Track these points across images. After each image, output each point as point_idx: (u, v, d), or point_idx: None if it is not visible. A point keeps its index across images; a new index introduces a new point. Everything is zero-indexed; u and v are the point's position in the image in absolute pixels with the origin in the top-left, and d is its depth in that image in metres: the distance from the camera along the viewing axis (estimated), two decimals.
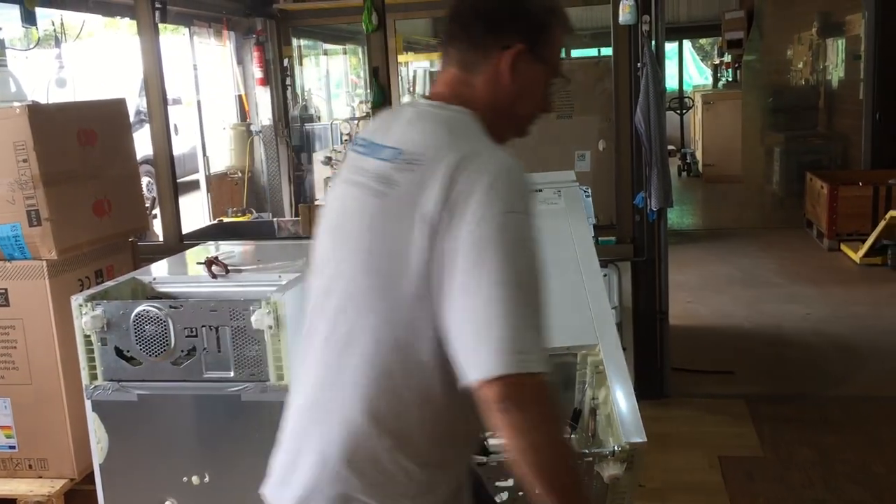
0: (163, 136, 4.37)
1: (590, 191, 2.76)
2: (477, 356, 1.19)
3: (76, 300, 2.46)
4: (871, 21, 7.67)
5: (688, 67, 15.75)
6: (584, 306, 2.14)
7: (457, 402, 1.29)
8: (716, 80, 14.38)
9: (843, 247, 6.82)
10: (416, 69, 12.01)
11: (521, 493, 1.89)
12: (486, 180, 1.24)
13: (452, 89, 1.40)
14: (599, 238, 4.21)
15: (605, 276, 4.21)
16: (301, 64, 9.54)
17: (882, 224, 6.39)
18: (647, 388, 4.14)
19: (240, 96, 8.22)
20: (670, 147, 12.91)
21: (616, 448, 1.77)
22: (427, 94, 1.44)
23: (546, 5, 1.41)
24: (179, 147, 7.60)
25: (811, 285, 6.03)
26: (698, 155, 11.52)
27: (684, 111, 12.37)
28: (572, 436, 2.10)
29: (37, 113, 2.95)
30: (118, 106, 3.52)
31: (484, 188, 1.23)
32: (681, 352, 4.44)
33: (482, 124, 1.36)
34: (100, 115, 3.35)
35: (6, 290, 2.99)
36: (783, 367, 4.56)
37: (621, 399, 1.87)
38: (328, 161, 7.72)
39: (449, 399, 1.30)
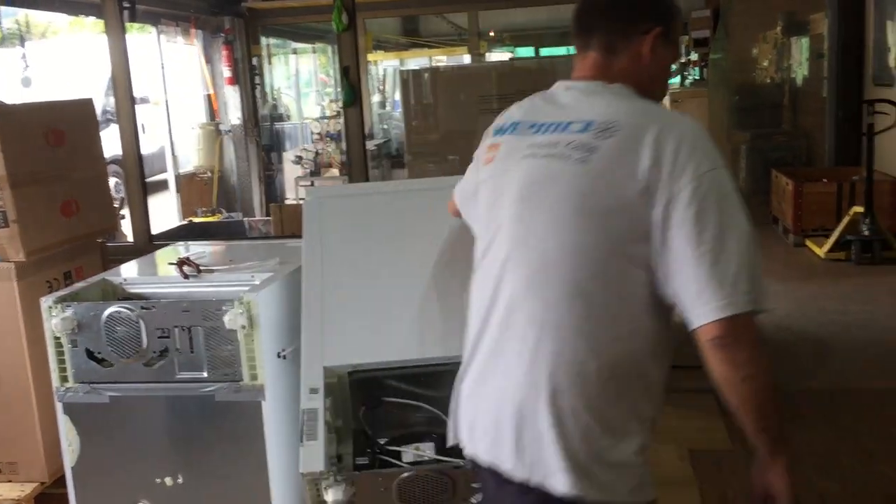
0: (131, 136, 4.33)
1: None
2: (712, 299, 1.34)
3: (46, 302, 2.43)
4: (833, 20, 7.80)
5: None
6: None
7: (663, 347, 1.46)
8: (683, 78, 14.53)
9: (808, 242, 6.93)
10: (385, 67, 11.99)
11: None
12: (689, 142, 1.40)
13: (599, 72, 1.54)
14: None
15: None
16: (270, 63, 9.50)
17: (846, 219, 6.51)
18: None
19: (208, 95, 8.16)
20: None
21: None
22: (572, 77, 1.57)
23: None
24: (146, 147, 7.52)
25: (778, 280, 6.12)
26: None
27: None
28: None
29: (3, 113, 2.92)
30: (86, 106, 3.49)
31: (689, 149, 1.39)
32: None
33: None
34: (68, 115, 3.32)
35: None
36: None
37: None
38: (299, 160, 7.70)
39: (657, 343, 1.45)
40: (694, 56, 12.80)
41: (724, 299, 1.34)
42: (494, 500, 1.52)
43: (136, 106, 4.44)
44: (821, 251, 6.61)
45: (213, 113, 8.12)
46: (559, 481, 1.39)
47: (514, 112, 1.63)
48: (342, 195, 2.61)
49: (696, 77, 13.05)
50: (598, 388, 1.41)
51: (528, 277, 1.44)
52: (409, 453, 1.98)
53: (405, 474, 1.85)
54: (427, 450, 1.98)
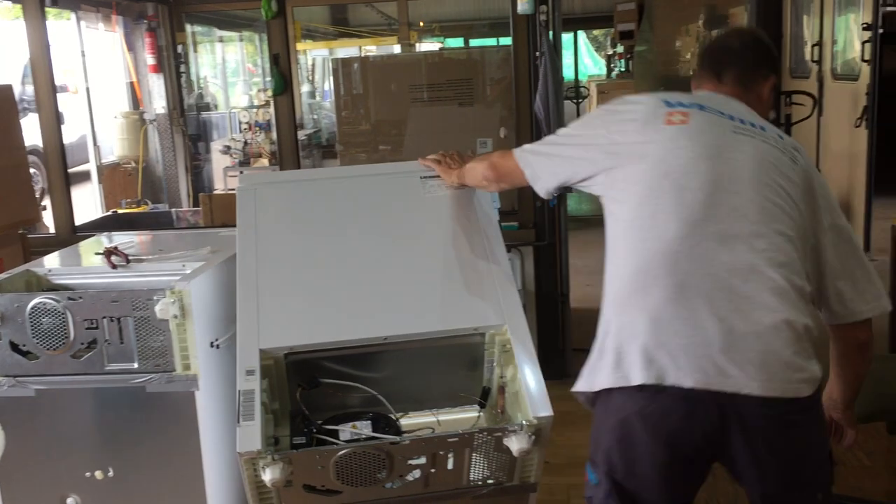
0: (52, 125, 4.20)
1: None
2: (873, 296, 1.83)
3: None
4: (752, 14, 8.03)
5: (583, 58, 16.14)
6: (492, 288, 2.18)
7: None
8: (609, 70, 14.79)
9: None
10: (315, 57, 11.87)
11: (433, 471, 1.93)
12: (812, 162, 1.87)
13: (742, 100, 1.90)
14: (503, 223, 4.29)
15: (508, 260, 4.30)
16: (196, 51, 9.30)
17: None
18: (550, 369, 4.19)
19: (131, 83, 7.95)
20: None
21: (524, 422, 1.83)
22: (707, 89, 1.96)
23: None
24: (66, 136, 7.25)
25: None
26: None
27: (580, 100, 12.67)
28: (481, 414, 2.16)
29: None
30: (5, 92, 3.37)
31: (815, 167, 1.87)
32: (582, 333, 4.57)
33: None
34: None
35: None
36: None
37: (528, 376, 1.93)
38: (227, 150, 7.56)
39: None
40: (620, 48, 13.06)
41: (886, 299, 1.84)
42: (762, 424, 1.69)
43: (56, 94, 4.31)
44: None
45: (136, 101, 7.91)
46: (812, 388, 1.71)
47: (680, 97, 1.87)
48: (277, 182, 2.59)
49: (623, 69, 13.31)
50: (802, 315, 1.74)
51: (771, 230, 1.71)
52: (346, 432, 1.98)
53: (342, 451, 1.86)
54: (364, 428, 1.99)
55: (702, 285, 1.67)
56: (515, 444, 1.83)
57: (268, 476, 1.78)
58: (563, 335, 4.31)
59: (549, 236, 4.22)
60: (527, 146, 2.09)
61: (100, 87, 8.10)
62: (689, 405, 1.66)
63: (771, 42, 1.99)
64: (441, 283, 2.19)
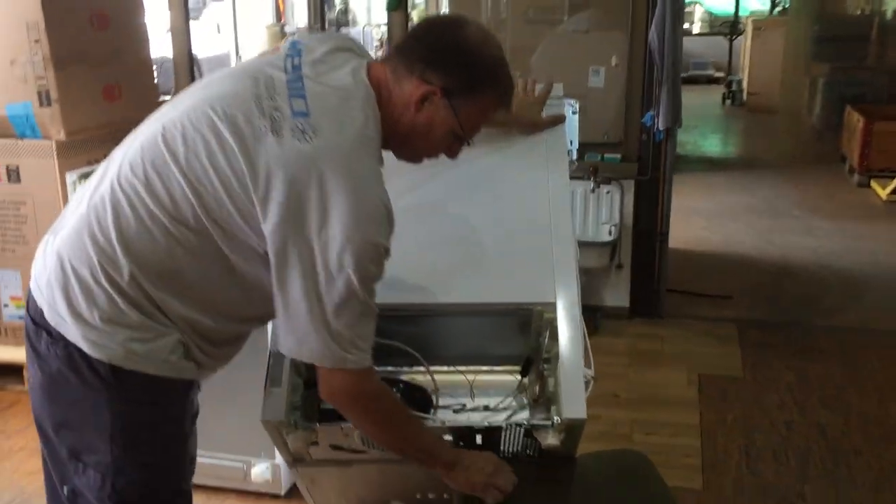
0: (182, 34, 4.40)
1: (577, 106, 2.24)
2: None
3: (71, 177, 2.59)
4: None
5: None
6: (547, 263, 1.89)
7: None
8: (773, 5, 13.87)
9: (872, 183, 6.70)
10: None
11: (461, 444, 1.77)
12: None
13: (375, 77, 1.50)
14: (605, 155, 4.22)
15: (608, 193, 4.24)
16: None
17: None
18: (641, 307, 4.21)
19: None
20: (717, 73, 12.59)
21: (556, 419, 1.68)
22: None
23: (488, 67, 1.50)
24: (218, 48, 7.62)
25: (829, 219, 5.97)
26: (744, 83, 11.22)
27: (735, 36, 12.01)
28: (519, 381, 1.92)
29: None
30: None
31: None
32: (685, 275, 4.50)
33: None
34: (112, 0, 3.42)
35: (18, 167, 3.14)
36: (781, 296, 4.59)
37: (568, 369, 1.73)
38: None
39: None
40: None
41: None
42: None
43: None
44: (883, 193, 6.39)
45: (279, 13, 8.16)
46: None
47: (320, 45, 1.61)
48: None
49: (786, 5, 12.46)
50: None
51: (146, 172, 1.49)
52: None
53: None
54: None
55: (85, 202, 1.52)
56: (544, 439, 1.69)
57: (291, 443, 1.71)
58: (658, 274, 4.24)
59: (653, 171, 4.11)
60: None
61: None
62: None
63: (483, 48, 1.49)
64: (493, 253, 1.94)
